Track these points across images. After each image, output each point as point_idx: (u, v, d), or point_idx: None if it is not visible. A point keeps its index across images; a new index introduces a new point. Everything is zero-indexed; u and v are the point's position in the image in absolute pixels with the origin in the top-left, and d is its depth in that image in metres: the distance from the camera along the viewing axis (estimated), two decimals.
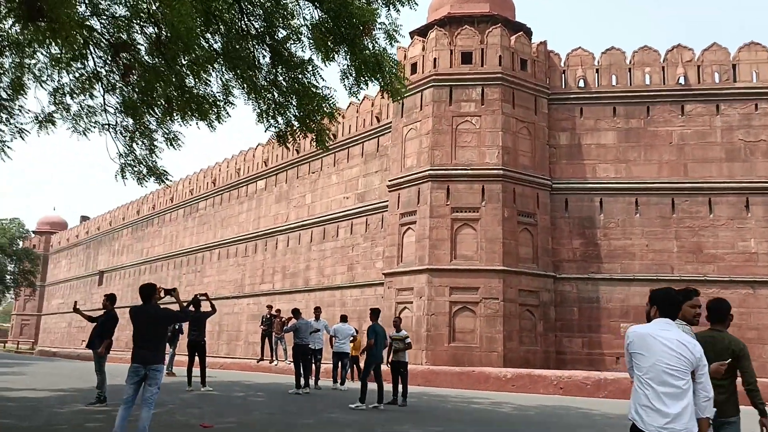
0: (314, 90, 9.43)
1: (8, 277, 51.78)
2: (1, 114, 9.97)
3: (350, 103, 25.28)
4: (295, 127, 9.99)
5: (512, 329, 18.16)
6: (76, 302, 13.34)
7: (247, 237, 29.92)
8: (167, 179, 10.85)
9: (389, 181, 20.93)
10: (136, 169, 10.69)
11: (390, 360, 12.14)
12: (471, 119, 19.45)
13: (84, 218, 54.21)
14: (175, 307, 7.59)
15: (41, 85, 9.66)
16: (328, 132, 10.49)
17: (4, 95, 9.83)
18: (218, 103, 9.75)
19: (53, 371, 19.04)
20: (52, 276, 55.64)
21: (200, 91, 9.58)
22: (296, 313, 14.51)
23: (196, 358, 13.65)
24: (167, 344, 15.12)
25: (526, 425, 10.10)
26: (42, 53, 9.31)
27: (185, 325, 16.85)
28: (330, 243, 24.92)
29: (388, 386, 11.94)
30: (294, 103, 9.62)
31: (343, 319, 15.50)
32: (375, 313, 12.17)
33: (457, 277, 18.39)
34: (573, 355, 18.93)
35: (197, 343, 13.65)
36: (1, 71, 9.61)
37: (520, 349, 18.18)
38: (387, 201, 21.43)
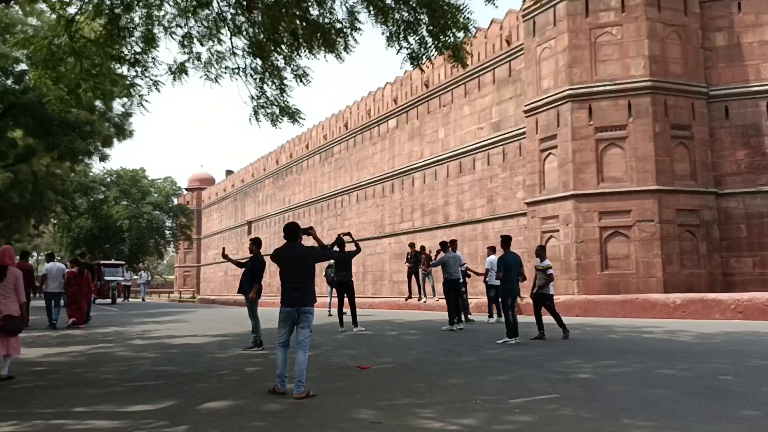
0: (446, 1, 8.76)
1: (167, 232, 55.84)
2: (136, 68, 10.20)
3: (477, 30, 24.17)
4: (428, 45, 9.36)
5: (671, 252, 16.91)
6: (224, 248, 13.75)
7: (383, 177, 30.03)
8: (300, 118, 10.66)
9: (525, 106, 19.90)
10: (268, 110, 10.59)
11: (533, 292, 11.54)
12: (611, 30, 17.87)
13: (229, 172, 57.08)
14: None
15: (171, 36, 9.77)
16: (465, 47, 9.78)
17: (137, 48, 10.02)
18: (344, 30, 9.39)
19: (212, 318, 20.19)
20: (206, 229, 59.46)
21: (325, 21, 9.27)
22: (444, 246, 14.08)
23: (346, 299, 13.81)
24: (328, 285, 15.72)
25: (722, 355, 8.67)
26: (169, 3, 9.37)
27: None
28: (467, 176, 24.38)
29: (524, 319, 11.53)
30: (425, 19, 9.02)
31: (492, 250, 15.07)
32: (506, 241, 11.17)
33: (605, 200, 17.29)
34: (743, 277, 17.36)
35: (345, 283, 13.76)
36: (132, 25, 9.77)
37: (681, 273, 16.93)
38: (524, 128, 20.47)
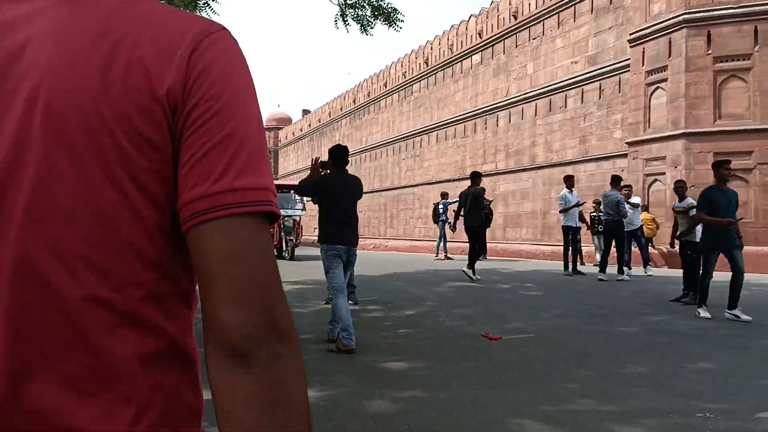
0: None
1: None
2: None
3: None
4: None
5: None
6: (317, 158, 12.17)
7: (465, 116, 28.45)
8: (398, 20, 9.02)
9: (630, 34, 17.85)
10: (359, 12, 8.96)
11: (673, 239, 10.03)
12: None
13: (305, 112, 56.50)
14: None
15: None
16: None
17: None
18: None
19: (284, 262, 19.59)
20: (282, 169, 59.46)
21: None
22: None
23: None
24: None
25: None
26: None
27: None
28: (557, 115, 22.56)
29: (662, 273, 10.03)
30: None
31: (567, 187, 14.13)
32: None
33: (722, 140, 15.34)
34: None
35: (478, 230, 12.91)
36: None
37: None
38: (625, 60, 18.47)
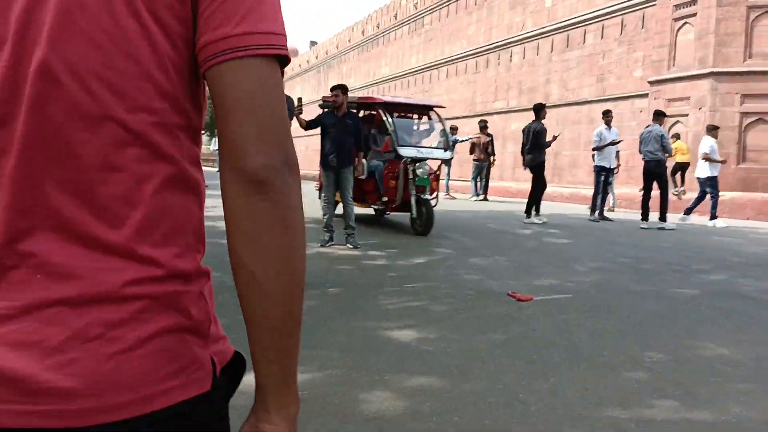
0: None
1: None
2: None
3: None
4: None
5: None
6: (299, 99, 9.65)
7: (478, 51, 27.34)
8: None
9: None
10: None
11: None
12: None
13: (313, 43, 55.06)
14: None
15: None
16: None
17: None
18: None
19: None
20: None
21: None
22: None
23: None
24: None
25: None
26: None
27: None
28: (575, 51, 21.55)
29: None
30: None
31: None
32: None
33: (752, 81, 14.50)
34: None
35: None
36: None
37: None
38: None
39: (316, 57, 50.76)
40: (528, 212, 11.76)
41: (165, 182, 0.73)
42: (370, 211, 11.25)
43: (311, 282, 5.41)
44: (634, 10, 18.83)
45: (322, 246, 7.80)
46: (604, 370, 3.65)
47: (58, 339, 0.66)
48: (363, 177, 8.83)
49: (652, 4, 17.43)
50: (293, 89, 57.27)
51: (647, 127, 11.71)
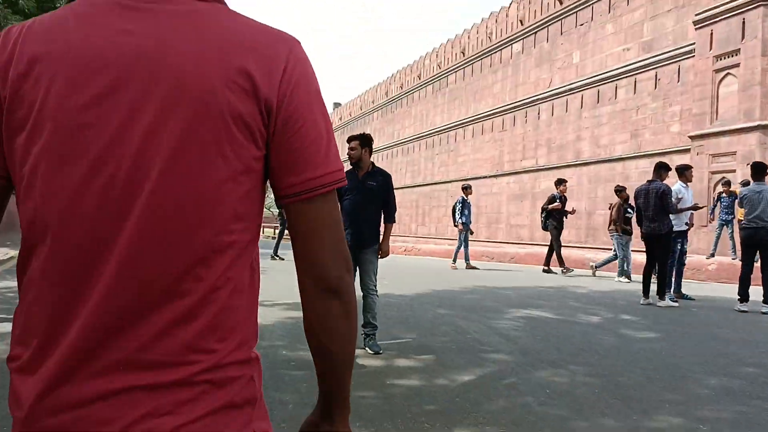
0: None
1: None
2: None
3: None
4: None
5: None
6: None
7: (504, 109, 26.70)
8: None
9: (696, 15, 16.01)
10: None
11: None
12: None
13: (336, 105, 55.15)
14: None
15: None
16: None
17: None
18: None
19: None
20: None
21: None
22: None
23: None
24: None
25: None
26: None
27: None
28: (606, 107, 20.74)
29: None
30: None
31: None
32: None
33: None
34: None
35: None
36: None
37: None
38: (687, 45, 16.67)
39: (340, 119, 50.71)
40: (661, 293, 9.43)
41: (234, 288, 0.91)
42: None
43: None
44: (668, 63, 18.04)
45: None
46: None
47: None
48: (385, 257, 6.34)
49: (687, 56, 16.65)
50: None
51: (753, 186, 9.15)
